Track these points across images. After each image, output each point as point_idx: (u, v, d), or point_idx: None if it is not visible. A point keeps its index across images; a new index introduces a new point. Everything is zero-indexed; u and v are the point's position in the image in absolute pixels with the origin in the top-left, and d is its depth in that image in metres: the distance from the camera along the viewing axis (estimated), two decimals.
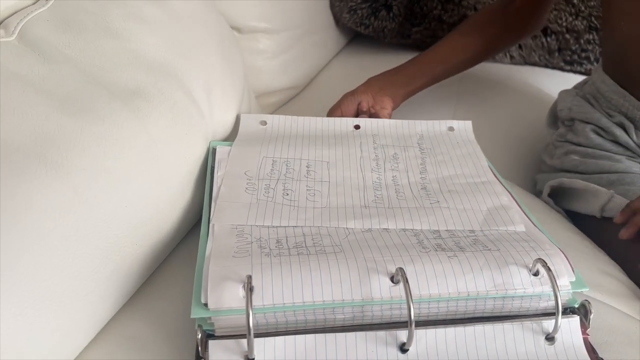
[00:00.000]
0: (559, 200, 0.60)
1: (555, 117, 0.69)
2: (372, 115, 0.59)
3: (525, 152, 0.74)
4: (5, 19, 0.42)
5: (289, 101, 0.81)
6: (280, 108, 0.79)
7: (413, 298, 0.33)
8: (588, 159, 0.59)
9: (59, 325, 0.33)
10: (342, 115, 0.60)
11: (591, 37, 0.85)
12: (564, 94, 0.67)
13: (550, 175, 0.64)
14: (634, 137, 0.58)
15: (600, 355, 0.35)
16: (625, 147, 0.59)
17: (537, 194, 0.67)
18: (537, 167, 0.72)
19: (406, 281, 0.32)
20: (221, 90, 0.52)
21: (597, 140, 0.60)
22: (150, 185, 0.40)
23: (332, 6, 0.89)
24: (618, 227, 0.49)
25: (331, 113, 0.60)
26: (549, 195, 0.61)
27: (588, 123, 0.61)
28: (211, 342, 0.31)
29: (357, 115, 0.60)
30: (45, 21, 0.42)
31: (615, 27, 0.57)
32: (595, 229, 0.54)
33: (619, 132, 0.58)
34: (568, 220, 0.58)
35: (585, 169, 0.59)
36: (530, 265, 0.35)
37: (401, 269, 0.33)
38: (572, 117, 0.64)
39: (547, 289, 0.34)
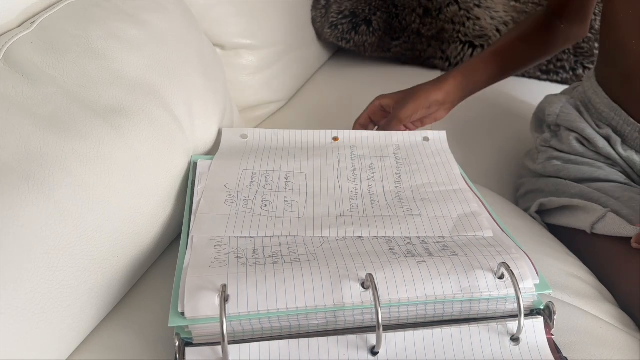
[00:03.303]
0: (545, 215, 0.61)
1: (540, 122, 0.70)
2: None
3: (503, 160, 0.76)
4: None
5: (273, 115, 0.83)
6: (264, 122, 0.81)
7: (383, 302, 0.34)
8: (570, 164, 0.61)
9: (41, 336, 0.34)
10: (408, 121, 0.58)
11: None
12: (552, 98, 0.67)
13: (531, 180, 0.66)
14: (620, 150, 0.58)
15: (565, 355, 0.36)
16: (607, 158, 0.60)
17: (518, 199, 0.69)
18: (517, 173, 0.74)
19: (375, 287, 0.33)
20: (202, 106, 0.54)
21: (580, 149, 0.61)
22: (131, 200, 0.41)
23: (314, 22, 0.91)
24: (608, 244, 0.50)
25: (401, 115, 0.58)
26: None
27: (572, 131, 0.62)
28: (188, 350, 0.33)
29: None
30: (30, 43, 0.44)
31: (616, 42, 0.57)
32: (584, 244, 0.55)
33: (602, 144, 0.59)
34: (544, 227, 0.59)
35: (567, 175, 0.60)
36: (496, 269, 0.36)
37: (370, 275, 0.34)
38: (558, 124, 0.65)
39: (512, 291, 0.36)
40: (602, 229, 0.51)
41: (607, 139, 0.59)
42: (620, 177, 0.58)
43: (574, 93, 0.67)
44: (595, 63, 0.67)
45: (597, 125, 0.61)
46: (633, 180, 0.59)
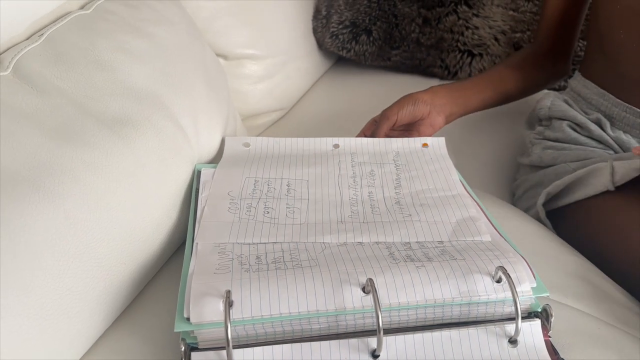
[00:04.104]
0: (554, 201, 0.62)
1: (533, 122, 0.73)
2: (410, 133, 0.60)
3: (502, 163, 0.77)
4: (0, 54, 0.45)
5: (275, 123, 0.84)
6: (266, 130, 0.82)
7: (383, 306, 0.35)
8: (565, 151, 0.64)
9: (51, 341, 0.35)
10: (397, 120, 0.60)
11: None
12: (541, 96, 0.72)
13: (528, 177, 0.67)
14: (610, 132, 0.62)
15: (562, 356, 0.37)
16: (599, 141, 0.63)
17: (515, 202, 0.70)
18: (513, 176, 0.75)
19: (375, 291, 0.34)
20: (206, 115, 0.55)
21: (573, 134, 0.64)
22: (138, 208, 0.42)
23: (315, 32, 0.93)
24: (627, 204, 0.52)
25: (388, 113, 0.59)
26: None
27: (565, 120, 0.66)
28: (193, 354, 0.33)
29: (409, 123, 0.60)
30: (38, 56, 0.45)
31: (605, 33, 0.61)
32: (602, 212, 0.56)
33: (594, 127, 0.63)
34: (547, 226, 0.60)
35: (563, 160, 0.63)
36: (493, 273, 0.37)
37: (371, 279, 0.35)
38: (550, 116, 0.68)
39: (510, 295, 0.36)
40: (622, 177, 0.53)
41: (597, 123, 0.63)
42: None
43: (563, 92, 0.71)
44: (579, 64, 0.71)
45: (586, 113, 0.65)
46: None
